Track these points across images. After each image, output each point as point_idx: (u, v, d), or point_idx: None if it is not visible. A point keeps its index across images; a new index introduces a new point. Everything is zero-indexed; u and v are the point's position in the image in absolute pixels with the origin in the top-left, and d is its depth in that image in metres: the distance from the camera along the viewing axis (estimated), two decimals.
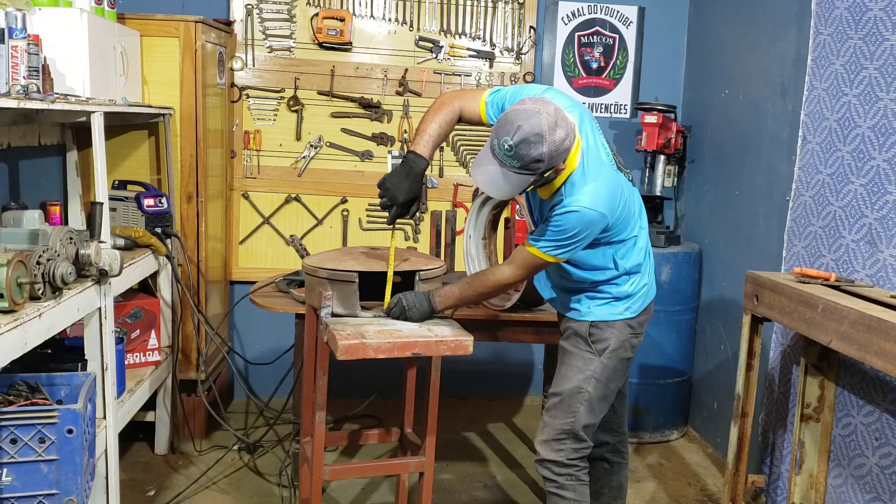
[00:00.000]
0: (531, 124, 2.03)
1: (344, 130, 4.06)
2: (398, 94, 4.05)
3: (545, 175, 2.14)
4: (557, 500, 2.41)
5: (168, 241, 3.24)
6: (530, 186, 2.18)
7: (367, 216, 4.13)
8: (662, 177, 3.94)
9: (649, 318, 2.49)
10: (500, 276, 2.32)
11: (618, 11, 4.17)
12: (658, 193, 3.93)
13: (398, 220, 2.36)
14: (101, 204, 2.59)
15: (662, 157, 3.92)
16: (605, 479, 2.67)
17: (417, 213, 2.40)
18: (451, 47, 4.06)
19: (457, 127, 4.14)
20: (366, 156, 4.08)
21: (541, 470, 2.43)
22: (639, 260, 2.40)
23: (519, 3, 4.07)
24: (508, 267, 2.32)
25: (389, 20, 4.02)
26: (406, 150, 2.55)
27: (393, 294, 2.39)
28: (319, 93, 4.01)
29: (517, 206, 3.74)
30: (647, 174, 3.96)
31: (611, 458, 2.67)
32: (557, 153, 2.07)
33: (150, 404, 3.30)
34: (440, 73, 4.06)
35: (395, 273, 2.40)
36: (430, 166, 2.39)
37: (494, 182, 2.13)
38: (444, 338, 2.19)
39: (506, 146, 2.04)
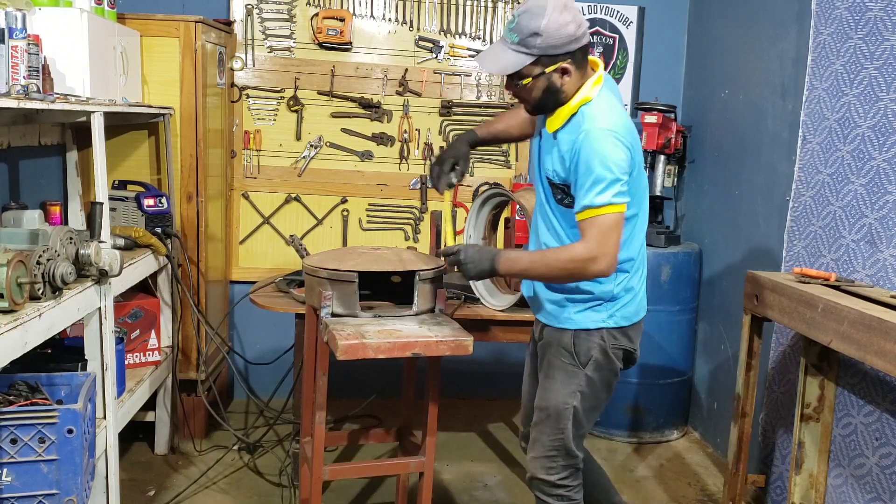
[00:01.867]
0: (538, 1, 2.01)
1: (344, 130, 4.06)
2: (398, 94, 4.06)
3: (545, 67, 2.03)
4: None
5: (168, 241, 3.24)
6: (527, 79, 2.05)
7: (367, 216, 4.13)
8: (662, 177, 3.94)
9: (639, 336, 2.32)
10: (573, 251, 2.06)
11: (618, 11, 4.17)
12: (658, 193, 3.93)
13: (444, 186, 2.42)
14: (101, 204, 2.59)
15: (662, 157, 3.92)
16: (588, 477, 2.48)
17: (461, 175, 2.43)
18: (451, 47, 4.06)
19: (457, 127, 4.13)
20: (366, 156, 4.08)
21: (532, 489, 2.34)
22: (631, 254, 2.21)
23: (519, 3, 4.07)
24: (580, 243, 2.06)
25: (389, 20, 4.02)
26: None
27: (394, 289, 2.39)
28: (319, 93, 4.01)
29: (517, 207, 3.75)
30: (647, 174, 3.95)
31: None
32: (558, 35, 1.99)
33: (150, 404, 3.30)
34: (440, 73, 4.06)
35: (395, 273, 2.40)
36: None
37: (491, 56, 2.09)
38: (444, 338, 2.19)
39: (509, 19, 2.03)
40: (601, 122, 2.05)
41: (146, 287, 3.33)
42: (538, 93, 2.10)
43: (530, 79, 2.07)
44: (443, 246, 3.42)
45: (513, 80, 2.12)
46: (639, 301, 2.29)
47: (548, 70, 2.05)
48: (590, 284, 2.20)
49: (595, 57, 2.20)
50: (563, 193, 2.14)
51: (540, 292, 2.32)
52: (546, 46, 2.01)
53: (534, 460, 2.31)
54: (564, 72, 2.07)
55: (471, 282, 3.04)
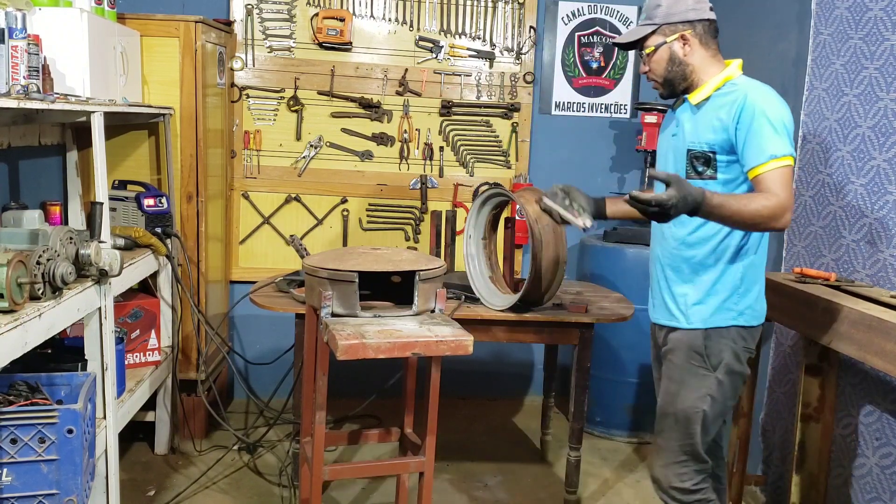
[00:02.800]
0: None
1: (344, 130, 4.06)
2: (398, 94, 4.05)
3: (666, 37, 2.16)
4: None
5: (168, 241, 3.24)
6: (649, 48, 2.19)
7: (367, 216, 4.13)
8: None
9: (757, 340, 2.25)
10: (766, 200, 1.99)
11: (618, 11, 4.17)
12: None
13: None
14: (101, 204, 2.59)
15: None
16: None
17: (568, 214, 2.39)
18: (451, 47, 4.06)
19: (456, 127, 4.13)
20: (366, 156, 4.08)
21: (664, 498, 2.27)
22: (763, 238, 2.19)
23: (519, 3, 4.07)
24: (768, 193, 2.00)
25: (389, 20, 4.02)
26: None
27: (394, 289, 2.39)
28: (319, 93, 4.01)
29: (517, 206, 3.75)
30: (647, 174, 3.96)
31: (712, 486, 2.36)
32: (677, 6, 2.15)
33: (150, 404, 3.30)
34: (440, 73, 4.06)
35: (395, 273, 2.40)
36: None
37: (626, 33, 2.29)
38: (444, 338, 2.19)
39: (645, 5, 2.24)
40: (760, 85, 2.14)
41: (146, 287, 3.33)
42: (663, 65, 2.20)
43: (653, 48, 2.20)
44: (442, 245, 3.42)
45: (641, 55, 2.25)
46: (762, 299, 2.24)
47: (668, 39, 2.18)
48: (724, 264, 2.16)
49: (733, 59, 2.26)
50: (704, 164, 2.14)
51: (665, 293, 2.27)
52: (665, 15, 2.17)
53: (663, 468, 2.25)
54: (685, 41, 2.17)
55: (471, 282, 3.04)
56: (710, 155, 2.13)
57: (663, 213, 1.94)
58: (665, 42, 2.18)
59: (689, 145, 2.18)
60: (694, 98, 2.21)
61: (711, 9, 2.21)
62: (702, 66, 2.19)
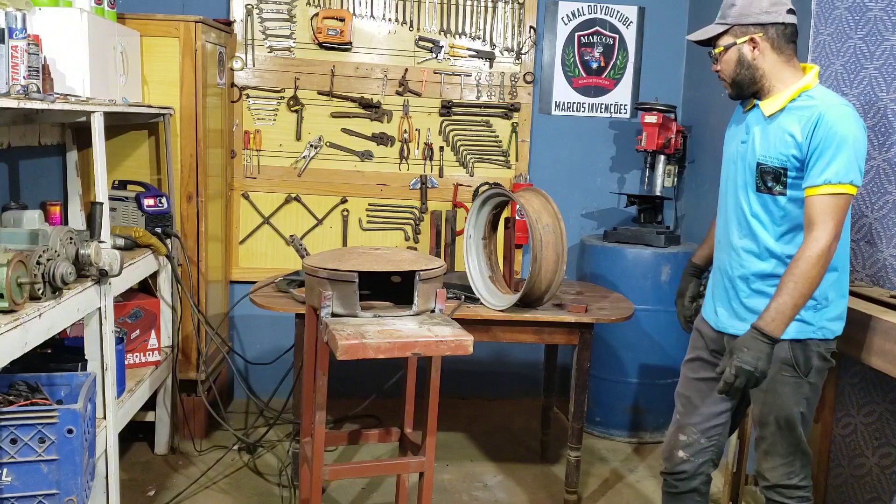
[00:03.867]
0: None
1: (344, 130, 4.06)
2: (398, 94, 4.06)
3: (736, 38, 2.13)
4: None
5: (168, 241, 3.24)
6: (719, 48, 2.17)
7: (367, 216, 4.13)
8: (662, 177, 3.94)
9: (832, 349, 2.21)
10: (815, 250, 1.98)
11: (618, 11, 4.17)
12: (658, 193, 3.93)
13: None
14: (101, 204, 2.59)
15: (662, 157, 3.92)
16: (700, 497, 2.48)
17: (697, 309, 2.56)
18: (451, 47, 4.06)
19: (456, 127, 4.14)
20: (366, 156, 4.08)
21: (770, 494, 2.28)
22: (844, 250, 2.14)
23: (519, 3, 4.07)
24: (814, 233, 1.99)
25: (389, 20, 4.02)
26: None
27: (394, 289, 2.39)
28: (319, 93, 4.01)
29: (517, 206, 3.75)
30: (647, 174, 3.96)
31: (705, 490, 2.47)
32: (751, 8, 2.11)
33: (150, 404, 3.30)
34: (440, 73, 4.06)
35: (395, 273, 2.40)
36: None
37: (701, 30, 2.23)
38: (444, 338, 2.19)
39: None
40: (838, 100, 2.07)
41: (146, 287, 3.33)
42: (731, 66, 2.17)
43: (722, 48, 2.17)
44: (442, 245, 3.42)
45: (712, 54, 2.22)
46: (843, 315, 2.20)
47: (738, 41, 2.14)
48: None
49: (810, 65, 2.21)
50: (773, 180, 2.11)
51: (747, 302, 2.21)
52: (738, 16, 2.13)
53: (772, 470, 2.26)
54: (755, 45, 2.13)
55: (471, 282, 3.04)
56: (781, 171, 2.09)
57: (753, 380, 2.03)
58: (735, 43, 2.14)
59: (759, 159, 2.14)
60: (767, 108, 2.15)
61: (791, 11, 2.14)
62: (773, 71, 2.14)
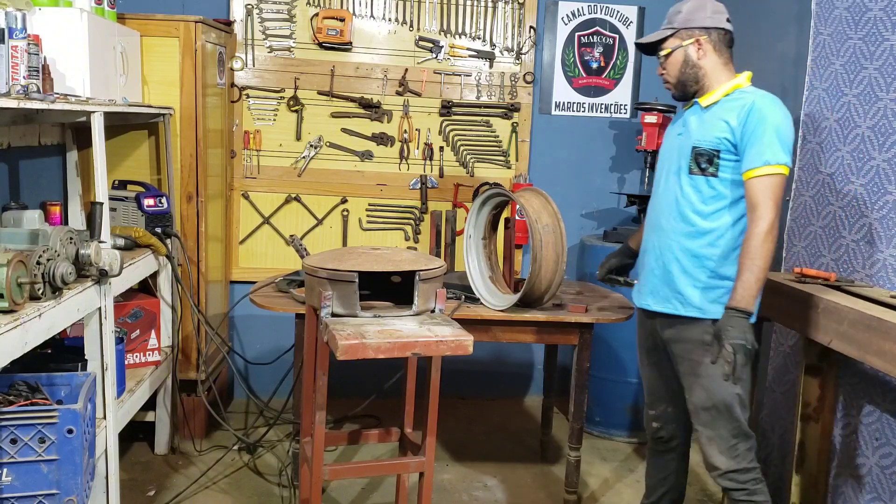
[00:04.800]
0: None
1: (344, 130, 4.06)
2: (398, 94, 4.06)
3: (683, 41, 2.34)
4: None
5: (168, 241, 3.24)
6: (666, 50, 2.37)
7: (367, 216, 4.13)
8: None
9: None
10: (762, 227, 2.17)
11: (618, 11, 4.17)
12: None
13: None
14: (101, 204, 2.59)
15: None
16: (677, 465, 2.71)
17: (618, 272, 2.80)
18: (451, 47, 4.06)
19: (456, 127, 4.15)
20: (366, 156, 4.08)
21: (724, 482, 2.38)
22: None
23: (519, 3, 4.07)
24: (758, 213, 2.19)
25: (389, 20, 4.02)
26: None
27: (394, 289, 2.39)
28: (319, 93, 4.01)
29: (517, 206, 3.75)
30: (647, 174, 3.96)
31: (684, 445, 2.70)
32: (695, 14, 2.34)
33: (150, 404, 3.30)
34: (440, 73, 4.06)
35: (395, 273, 2.40)
36: None
37: (647, 36, 2.47)
38: (444, 338, 2.19)
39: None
40: (768, 94, 2.29)
41: (146, 287, 3.33)
42: (677, 66, 2.38)
43: (670, 50, 2.38)
44: (442, 245, 3.42)
45: (658, 57, 2.42)
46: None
47: (685, 43, 2.36)
48: (725, 262, 2.31)
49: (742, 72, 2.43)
50: (707, 162, 2.30)
51: (677, 282, 2.37)
52: (684, 20, 2.36)
53: (717, 456, 2.37)
54: (699, 46, 2.35)
55: (471, 282, 3.04)
56: (715, 153, 2.29)
57: (748, 353, 2.16)
58: (681, 45, 2.36)
59: (694, 143, 2.33)
60: (704, 101, 2.37)
61: (728, 20, 2.39)
62: (713, 71, 2.36)
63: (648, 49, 2.47)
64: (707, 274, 2.33)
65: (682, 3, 2.41)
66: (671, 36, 2.38)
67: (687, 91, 2.40)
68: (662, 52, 2.39)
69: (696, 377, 2.37)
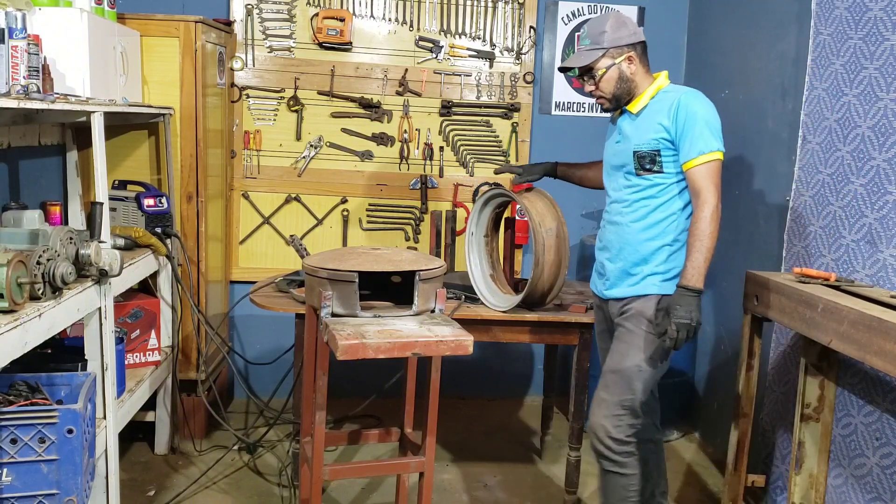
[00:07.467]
0: (604, 14, 2.65)
1: (344, 130, 4.06)
2: (398, 94, 4.06)
3: (615, 59, 2.48)
4: (618, 479, 2.50)
5: (168, 241, 3.24)
6: (601, 70, 2.49)
7: (367, 216, 4.13)
8: None
9: None
10: (707, 211, 2.36)
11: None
12: None
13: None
14: (101, 204, 2.59)
15: None
16: (653, 457, 2.74)
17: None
18: (451, 47, 4.06)
19: (456, 127, 4.15)
20: (366, 156, 4.08)
21: (598, 446, 2.50)
22: (685, 225, 2.49)
23: (519, 3, 4.07)
24: (701, 198, 2.37)
25: (389, 20, 4.02)
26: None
27: (394, 289, 2.39)
28: (319, 93, 4.01)
29: (517, 206, 3.75)
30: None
31: (654, 436, 2.74)
32: (620, 32, 2.48)
33: (150, 404, 3.30)
34: (440, 73, 4.06)
35: (395, 273, 2.40)
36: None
37: (573, 60, 2.57)
38: (444, 338, 2.19)
39: (583, 34, 2.56)
40: (689, 89, 2.48)
41: (146, 287, 3.33)
42: (613, 83, 2.52)
43: (604, 70, 2.51)
44: (442, 245, 3.42)
45: (592, 77, 2.54)
46: None
47: (617, 60, 2.50)
48: (669, 256, 2.49)
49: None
50: (650, 162, 2.47)
51: (637, 270, 2.52)
52: (612, 40, 2.49)
53: (602, 419, 2.50)
54: (630, 60, 2.51)
55: (472, 279, 3.04)
56: (655, 153, 2.46)
57: (692, 330, 2.35)
58: (614, 63, 2.51)
59: (634, 148, 2.50)
60: (634, 108, 2.54)
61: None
62: (642, 81, 2.54)
63: (579, 70, 2.57)
64: (663, 258, 2.49)
65: (601, 22, 2.52)
66: (603, 56, 2.50)
67: (621, 103, 2.56)
68: (598, 73, 2.52)
69: (619, 342, 2.53)
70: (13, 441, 2.03)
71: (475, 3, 4.05)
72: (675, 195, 2.47)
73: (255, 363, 3.95)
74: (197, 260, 3.49)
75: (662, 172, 2.46)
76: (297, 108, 4.01)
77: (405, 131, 4.08)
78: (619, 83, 2.52)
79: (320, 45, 3.97)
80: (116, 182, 3.35)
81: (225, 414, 3.47)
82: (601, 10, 4.15)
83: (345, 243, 4.12)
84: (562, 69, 2.66)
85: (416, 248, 4.12)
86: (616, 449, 2.48)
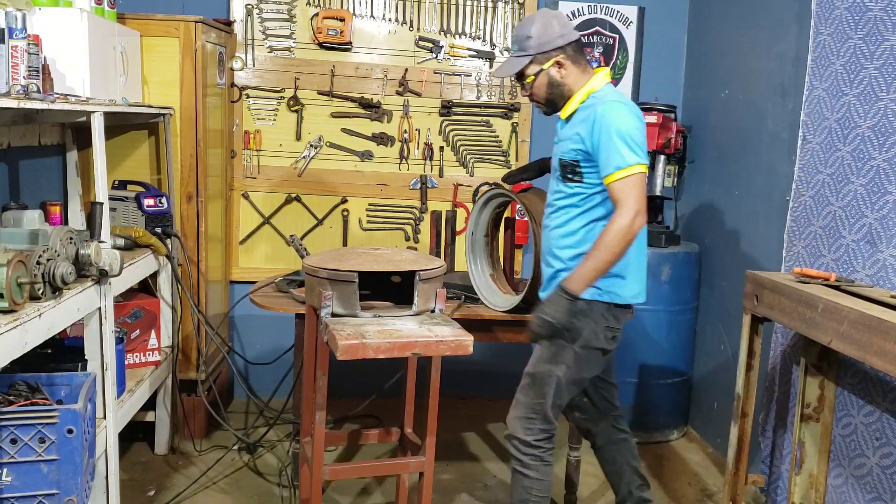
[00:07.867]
0: (530, 16, 2.47)
1: (344, 130, 4.06)
2: (398, 94, 4.06)
3: (542, 65, 2.40)
4: (520, 479, 2.50)
5: (168, 241, 3.24)
6: (530, 77, 2.43)
7: (367, 216, 4.13)
8: (662, 177, 3.94)
9: (625, 320, 2.53)
10: (617, 224, 2.29)
11: (618, 11, 4.17)
12: (658, 193, 3.93)
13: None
14: (101, 204, 2.59)
15: (662, 157, 3.92)
16: (621, 456, 2.78)
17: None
18: (451, 47, 4.06)
19: (456, 127, 4.16)
20: (366, 156, 4.08)
21: (509, 445, 2.52)
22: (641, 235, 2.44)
23: (519, 3, 4.07)
24: (616, 212, 2.30)
25: (389, 20, 4.02)
26: None
27: (394, 289, 2.39)
28: (319, 93, 4.01)
29: (517, 206, 3.75)
30: (648, 174, 3.95)
31: (616, 437, 2.77)
32: (545, 34, 2.38)
33: (150, 404, 3.30)
34: (440, 73, 4.06)
35: (395, 273, 2.40)
36: None
37: (503, 66, 2.51)
38: (444, 338, 2.19)
39: (512, 38, 2.46)
40: (610, 97, 2.39)
41: (146, 287, 3.33)
42: (544, 89, 2.46)
43: (533, 77, 2.45)
44: (442, 245, 3.42)
45: (523, 84, 2.50)
46: (630, 286, 2.48)
47: (545, 66, 2.42)
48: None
49: (599, 66, 2.56)
50: (571, 172, 2.43)
51: (561, 275, 2.47)
52: (538, 45, 2.40)
53: (514, 420, 2.51)
54: (560, 65, 2.42)
55: (472, 279, 3.04)
56: (575, 164, 2.41)
57: (553, 329, 2.36)
58: (542, 69, 2.43)
59: (560, 155, 2.47)
60: (564, 113, 2.49)
61: (575, 28, 2.49)
62: (576, 83, 2.45)
63: (515, 76, 2.51)
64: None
65: (527, 26, 2.42)
66: (531, 63, 2.43)
67: (557, 107, 2.51)
68: (527, 80, 2.46)
69: (539, 345, 2.51)
70: (13, 441, 2.03)
71: (475, 3, 4.05)
72: (597, 204, 2.42)
73: (255, 363, 3.95)
74: (197, 260, 3.49)
75: (583, 182, 2.42)
76: (297, 108, 4.01)
77: (405, 131, 4.08)
78: (550, 88, 2.45)
79: (320, 45, 3.97)
80: (116, 182, 3.35)
81: (225, 414, 3.47)
82: (601, 11, 4.15)
83: (345, 243, 4.12)
84: (495, 76, 2.64)
85: (416, 248, 4.12)
86: (523, 450, 2.47)
